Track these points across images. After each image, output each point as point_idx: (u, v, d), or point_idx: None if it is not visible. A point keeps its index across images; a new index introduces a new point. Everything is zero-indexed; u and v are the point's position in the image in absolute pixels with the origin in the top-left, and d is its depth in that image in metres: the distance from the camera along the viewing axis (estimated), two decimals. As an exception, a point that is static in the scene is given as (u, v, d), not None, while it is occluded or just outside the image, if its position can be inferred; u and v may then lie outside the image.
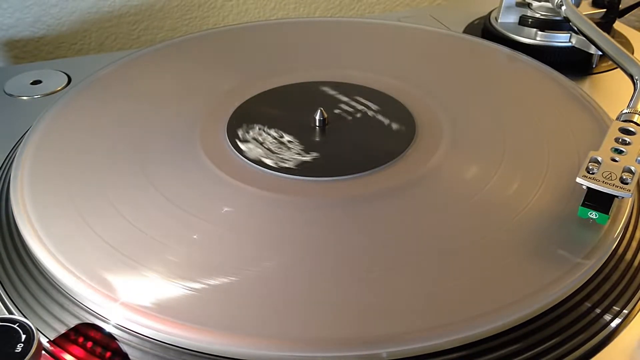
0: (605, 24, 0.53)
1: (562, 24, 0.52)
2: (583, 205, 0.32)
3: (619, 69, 0.44)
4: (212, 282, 0.29)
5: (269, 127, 0.40)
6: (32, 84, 0.51)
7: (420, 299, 0.29)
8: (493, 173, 0.36)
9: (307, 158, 0.37)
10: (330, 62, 0.49)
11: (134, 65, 0.49)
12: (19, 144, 0.40)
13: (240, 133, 0.40)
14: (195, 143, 0.39)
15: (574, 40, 0.51)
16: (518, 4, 0.55)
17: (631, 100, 0.38)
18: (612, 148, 0.33)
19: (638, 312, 0.31)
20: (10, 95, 0.50)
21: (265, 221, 0.33)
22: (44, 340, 0.29)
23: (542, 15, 0.54)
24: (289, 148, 0.38)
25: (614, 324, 0.30)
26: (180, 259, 0.31)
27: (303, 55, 0.50)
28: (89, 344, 0.28)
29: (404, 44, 0.52)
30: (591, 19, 0.49)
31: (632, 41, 0.55)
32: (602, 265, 0.31)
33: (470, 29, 0.59)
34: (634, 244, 0.34)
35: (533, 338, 0.28)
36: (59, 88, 0.50)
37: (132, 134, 0.40)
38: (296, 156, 0.37)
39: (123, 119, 0.42)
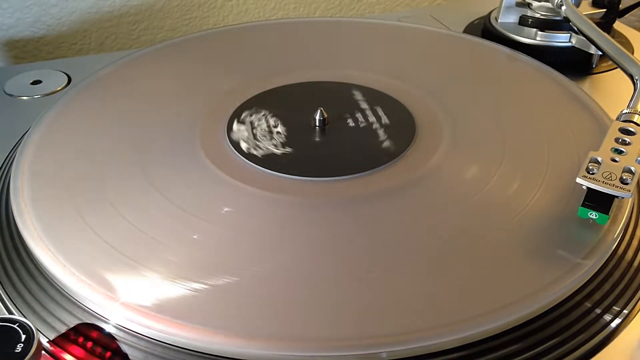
0: (605, 24, 0.53)
1: (562, 24, 0.52)
2: (583, 205, 0.32)
3: (619, 69, 0.44)
4: (212, 282, 0.29)
5: (272, 116, 0.41)
6: (32, 84, 0.51)
7: (420, 299, 0.29)
8: (493, 173, 0.36)
9: (278, 152, 0.38)
10: (330, 62, 0.49)
11: (134, 65, 0.49)
12: (19, 144, 0.40)
13: (244, 114, 0.40)
14: (195, 143, 0.39)
15: (574, 40, 0.51)
16: (518, 4, 0.55)
17: (631, 100, 0.38)
18: (612, 148, 0.33)
19: (638, 312, 0.31)
20: (10, 95, 0.50)
21: (265, 221, 0.33)
22: (44, 340, 0.29)
23: (542, 15, 0.54)
24: (271, 138, 0.38)
25: (614, 324, 0.30)
26: (180, 259, 0.31)
27: (303, 55, 0.50)
28: (89, 344, 0.28)
29: (404, 44, 0.52)
30: (591, 19, 0.49)
31: (632, 41, 0.55)
32: (602, 266, 0.31)
33: (470, 29, 0.59)
34: (634, 244, 0.34)
35: (533, 338, 0.28)
36: (59, 88, 0.50)
37: (132, 134, 0.40)
38: (270, 147, 0.38)
39: (123, 119, 0.42)
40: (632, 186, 0.31)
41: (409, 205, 0.34)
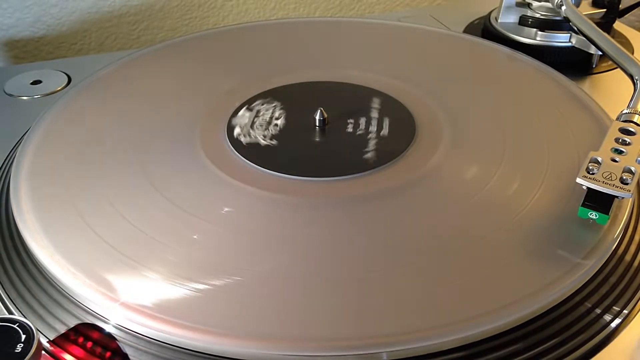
0: (605, 24, 0.53)
1: (562, 24, 0.52)
2: (583, 205, 0.32)
3: (619, 69, 0.44)
4: (212, 282, 0.29)
5: (281, 109, 0.41)
6: (32, 84, 0.51)
7: (420, 299, 0.29)
8: (493, 173, 0.36)
9: (263, 142, 0.38)
10: (330, 62, 0.49)
11: (134, 65, 0.49)
12: (19, 144, 0.40)
13: (258, 101, 0.41)
14: (195, 143, 0.39)
15: (574, 40, 0.51)
16: (518, 4, 0.55)
17: (631, 100, 0.38)
18: (612, 148, 0.33)
19: (638, 312, 0.31)
20: (10, 95, 0.50)
21: (265, 221, 0.33)
22: (44, 340, 0.29)
23: (542, 15, 0.54)
24: (265, 129, 0.39)
25: (614, 324, 0.30)
26: (180, 259, 0.31)
27: (303, 55, 0.50)
28: (89, 344, 0.28)
29: (404, 44, 0.52)
30: (591, 19, 0.49)
31: (632, 41, 0.55)
32: (602, 266, 0.31)
33: (470, 29, 0.59)
34: (634, 245, 0.34)
35: (533, 338, 0.28)
36: (59, 88, 0.50)
37: (132, 134, 0.40)
38: (259, 137, 0.38)
39: (123, 119, 0.42)
40: (632, 186, 0.31)
41: (409, 205, 0.34)
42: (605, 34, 0.46)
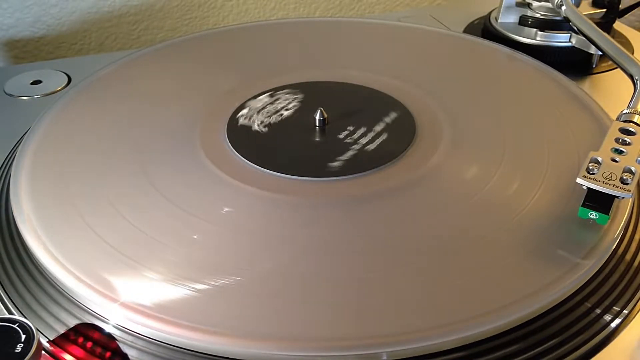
0: (605, 24, 0.53)
1: (562, 24, 0.52)
2: (583, 205, 0.31)
3: (619, 69, 0.44)
4: (211, 282, 0.29)
5: (294, 99, 0.41)
6: (32, 84, 0.51)
7: (420, 299, 0.29)
8: (493, 173, 0.36)
9: (258, 129, 0.39)
10: (330, 62, 0.49)
11: (134, 65, 0.49)
12: (19, 144, 0.40)
13: (284, 91, 0.42)
14: (195, 143, 0.39)
15: (574, 40, 0.51)
16: (518, 4, 0.55)
17: (631, 100, 0.38)
18: (612, 148, 0.33)
19: (638, 312, 0.31)
20: (10, 95, 0.50)
21: (265, 221, 0.33)
22: (44, 340, 0.29)
23: (542, 15, 0.54)
24: (267, 117, 0.39)
25: (614, 324, 0.30)
26: (180, 259, 0.31)
27: (303, 55, 0.50)
28: (89, 344, 0.28)
29: (404, 44, 0.52)
30: (591, 19, 0.49)
31: (632, 41, 0.55)
32: (602, 266, 0.31)
33: (470, 29, 0.59)
34: (634, 244, 0.34)
35: (533, 338, 0.28)
36: (59, 88, 0.50)
37: (132, 134, 0.40)
38: (256, 125, 0.39)
39: (123, 119, 0.42)
40: (633, 186, 0.31)
41: (409, 205, 0.34)
42: (605, 34, 0.46)
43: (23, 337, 0.26)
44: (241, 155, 0.38)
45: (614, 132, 0.35)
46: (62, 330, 0.29)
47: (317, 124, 0.40)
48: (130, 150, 0.39)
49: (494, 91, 0.45)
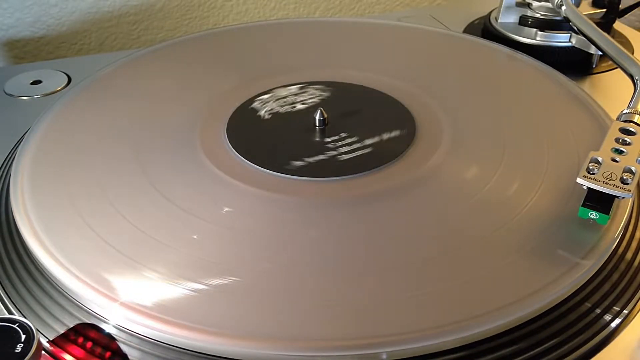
0: (605, 24, 0.53)
1: (562, 24, 0.52)
2: (583, 205, 0.31)
3: (619, 69, 0.44)
4: (211, 282, 0.29)
5: (303, 93, 0.42)
6: (32, 84, 0.51)
7: (420, 299, 0.29)
8: (493, 173, 0.36)
9: (265, 116, 0.40)
10: (330, 62, 0.49)
11: (134, 65, 0.49)
12: (19, 144, 0.40)
13: (312, 86, 0.43)
14: (195, 143, 0.39)
15: (574, 40, 0.51)
16: (518, 4, 0.55)
17: (631, 100, 0.38)
18: (612, 148, 0.33)
19: (638, 312, 0.31)
20: (10, 95, 0.50)
21: (265, 221, 0.33)
22: (44, 340, 0.29)
23: (542, 15, 0.54)
24: (280, 107, 0.40)
25: (614, 324, 0.30)
26: (180, 259, 0.31)
27: (303, 55, 0.50)
28: (89, 344, 0.28)
29: (404, 44, 0.52)
30: (591, 19, 0.49)
31: (632, 41, 0.55)
32: (602, 266, 0.31)
33: (470, 29, 0.59)
34: (634, 244, 0.34)
35: (533, 338, 0.28)
36: (59, 88, 0.50)
37: (132, 134, 0.40)
38: (266, 114, 0.40)
39: (123, 119, 0.42)
40: (633, 186, 0.31)
41: (409, 205, 0.34)
42: (605, 34, 0.46)
43: (23, 337, 0.26)
44: (241, 155, 0.38)
45: (614, 132, 0.35)
46: (62, 330, 0.29)
47: (317, 124, 0.40)
48: (130, 150, 0.39)
49: (494, 91, 0.45)
